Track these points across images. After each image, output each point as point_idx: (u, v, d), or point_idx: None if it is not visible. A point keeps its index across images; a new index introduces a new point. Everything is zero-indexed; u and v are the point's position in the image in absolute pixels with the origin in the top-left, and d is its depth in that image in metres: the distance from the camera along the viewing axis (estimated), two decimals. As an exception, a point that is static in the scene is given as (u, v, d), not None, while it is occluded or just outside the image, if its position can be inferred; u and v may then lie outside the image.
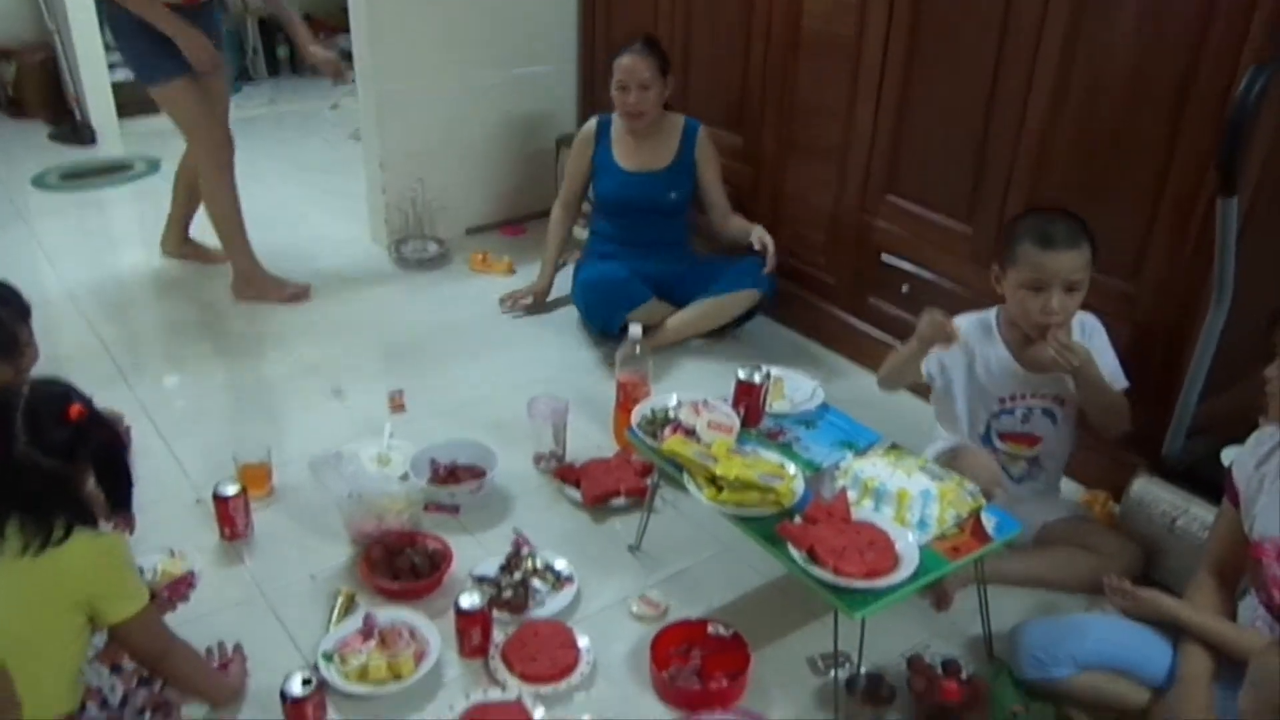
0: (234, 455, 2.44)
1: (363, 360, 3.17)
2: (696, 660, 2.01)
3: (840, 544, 1.81)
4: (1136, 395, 2.28)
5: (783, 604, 2.24)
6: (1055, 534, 2.35)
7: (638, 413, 2.22)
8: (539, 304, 3.43)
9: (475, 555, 2.31)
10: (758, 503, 1.92)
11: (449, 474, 2.52)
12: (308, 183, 4.42)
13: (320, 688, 1.83)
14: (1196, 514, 2.22)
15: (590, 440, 2.74)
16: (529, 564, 2.26)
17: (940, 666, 2.01)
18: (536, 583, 2.22)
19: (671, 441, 2.05)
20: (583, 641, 2.06)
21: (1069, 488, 2.53)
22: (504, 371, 3.09)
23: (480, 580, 2.22)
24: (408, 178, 3.77)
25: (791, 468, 2.02)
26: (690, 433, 2.11)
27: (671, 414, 2.20)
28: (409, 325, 3.37)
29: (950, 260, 2.86)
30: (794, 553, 1.82)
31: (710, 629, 2.08)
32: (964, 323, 2.29)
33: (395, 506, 2.32)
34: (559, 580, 2.24)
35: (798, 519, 1.89)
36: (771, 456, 2.06)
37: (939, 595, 2.18)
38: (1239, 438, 2.28)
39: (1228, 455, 2.28)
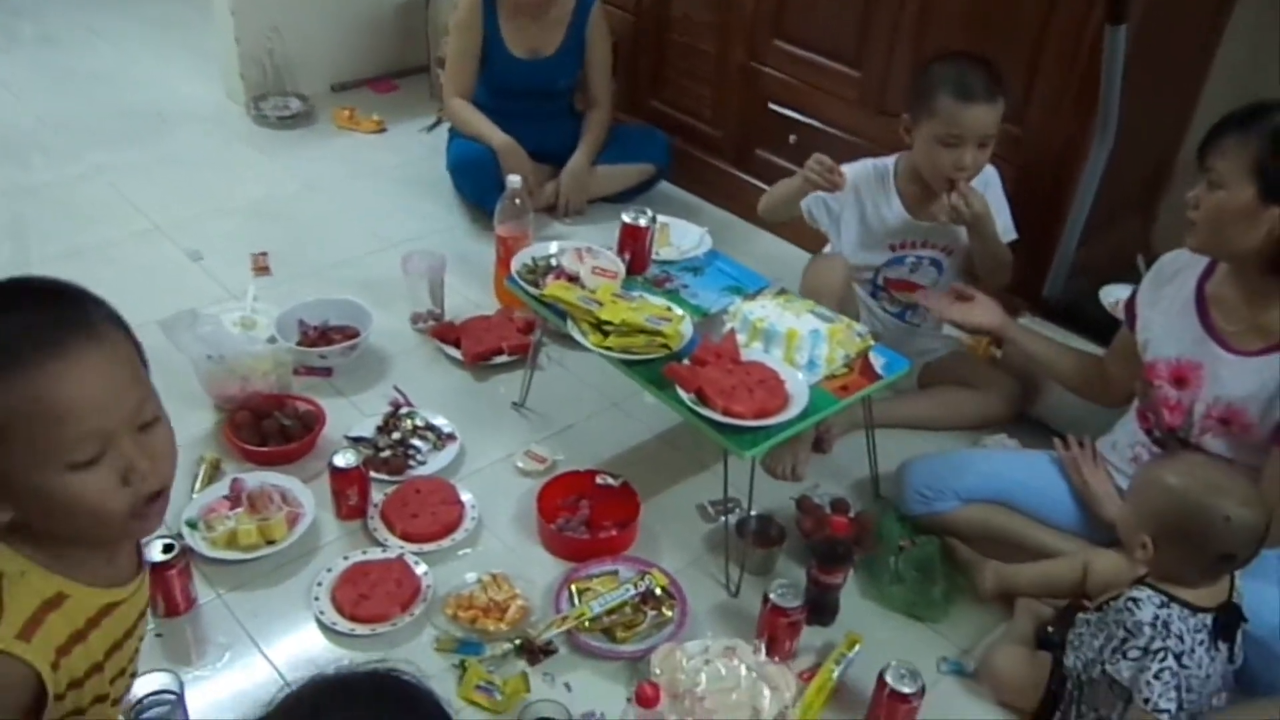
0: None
1: (222, 223, 2.94)
2: (585, 510, 1.97)
3: (729, 384, 1.76)
4: (1020, 239, 2.28)
5: (671, 455, 2.20)
6: (936, 373, 2.37)
7: (518, 260, 2.11)
8: (525, 166, 2.91)
9: (351, 418, 2.20)
10: (644, 346, 1.85)
11: (320, 335, 2.38)
12: (160, 40, 4.04)
13: (184, 553, 1.72)
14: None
15: (469, 299, 2.62)
16: (408, 423, 2.16)
17: (829, 506, 2.02)
18: (417, 441, 2.13)
19: (554, 287, 1.95)
20: (466, 497, 1.99)
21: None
22: (376, 231, 2.91)
23: (356, 441, 2.11)
24: (262, 25, 3.46)
25: (678, 310, 1.94)
26: (574, 279, 2.01)
27: (553, 261, 2.10)
28: (271, 185, 3.14)
29: (839, 107, 2.78)
30: (682, 395, 1.76)
31: (598, 479, 2.04)
32: (859, 169, 2.23)
33: (261, 368, 2.17)
34: (440, 438, 2.15)
35: (685, 361, 1.83)
36: (657, 300, 1.98)
37: (819, 436, 2.18)
38: (1118, 277, 2.32)
39: (1107, 294, 2.33)
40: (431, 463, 2.09)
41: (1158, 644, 1.47)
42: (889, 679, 1.58)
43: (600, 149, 3.07)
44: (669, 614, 1.78)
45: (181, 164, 3.20)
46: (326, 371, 2.33)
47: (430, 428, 2.16)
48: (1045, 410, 2.32)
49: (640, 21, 3.21)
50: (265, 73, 3.51)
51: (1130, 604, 1.51)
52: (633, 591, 1.78)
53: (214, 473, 2.03)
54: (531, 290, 2.02)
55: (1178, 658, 1.47)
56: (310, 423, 2.12)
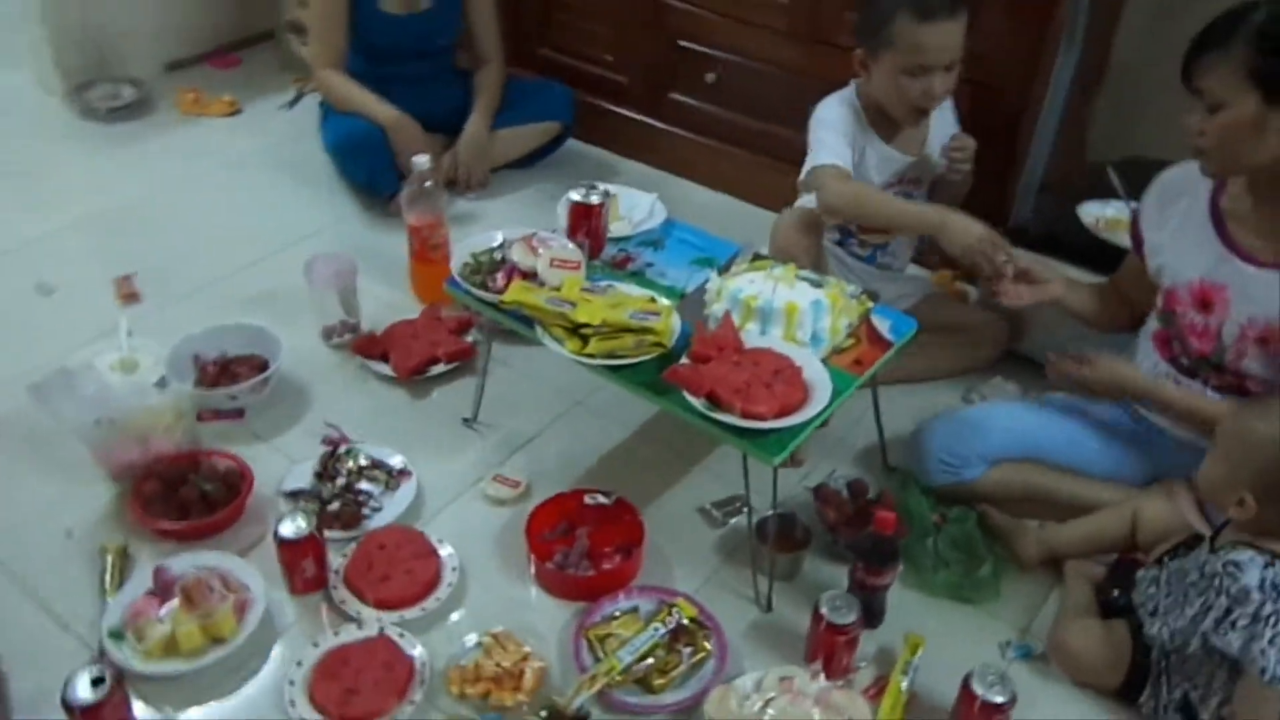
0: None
1: (66, 244, 2.49)
2: (583, 540, 1.71)
3: (741, 380, 1.52)
4: (981, 163, 2.11)
5: (656, 453, 1.97)
6: (918, 319, 2.20)
7: (457, 259, 1.81)
8: (421, 141, 2.55)
9: (278, 467, 1.87)
10: (633, 348, 1.59)
11: (221, 370, 2.02)
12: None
13: (118, 680, 1.38)
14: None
15: (384, 301, 2.29)
16: (351, 463, 1.85)
17: (846, 489, 1.83)
18: (365, 485, 1.82)
19: (513, 290, 1.66)
20: (440, 545, 1.71)
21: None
22: (255, 234, 2.52)
23: (295, 496, 1.79)
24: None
25: (663, 299, 1.69)
26: (530, 276, 1.73)
27: (499, 255, 1.81)
28: (116, 191, 2.68)
29: (764, 39, 2.52)
30: (692, 401, 1.52)
31: (587, 499, 1.78)
32: (839, 112, 2.00)
33: (160, 422, 1.81)
34: (392, 476, 1.85)
35: (684, 360, 1.58)
36: (633, 290, 1.72)
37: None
38: (1092, 193, 2.18)
39: (1086, 212, 2.18)
40: (388, 508, 1.79)
41: (1269, 608, 1.34)
42: (978, 689, 1.41)
43: (496, 110, 2.74)
44: (706, 647, 1.56)
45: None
46: (238, 414, 1.98)
47: (378, 465, 1.86)
48: (1033, 346, 2.18)
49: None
50: (86, 56, 3.00)
51: (1232, 568, 1.37)
52: (662, 630, 1.55)
53: (124, 563, 1.68)
54: (484, 296, 1.73)
55: (1296, 620, 1.34)
56: (234, 482, 1.78)
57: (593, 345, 1.59)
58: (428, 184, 2.18)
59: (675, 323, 1.63)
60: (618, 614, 1.60)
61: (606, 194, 1.84)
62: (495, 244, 1.84)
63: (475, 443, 1.97)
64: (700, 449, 1.96)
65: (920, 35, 1.82)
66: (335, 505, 1.76)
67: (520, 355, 2.12)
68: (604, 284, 1.73)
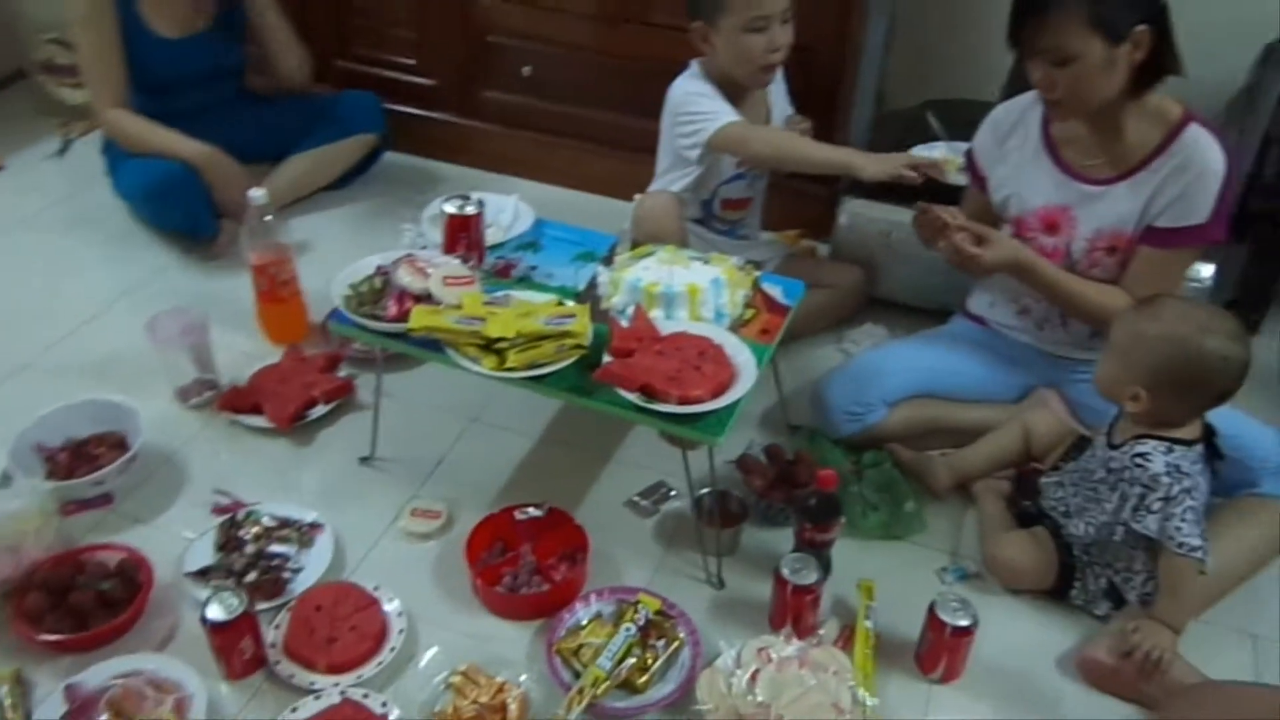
0: None
1: None
2: (529, 556, 1.67)
3: (671, 368, 1.53)
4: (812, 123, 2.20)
5: (568, 456, 1.94)
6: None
7: (336, 293, 1.70)
8: (239, 173, 2.38)
9: (171, 547, 1.71)
10: (554, 354, 1.56)
11: (74, 456, 1.82)
12: None
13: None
14: (906, 221, 2.22)
15: (237, 350, 2.12)
16: (254, 529, 1.72)
17: (764, 456, 1.87)
18: (278, 548, 1.70)
19: (418, 316, 1.58)
20: (378, 593, 1.62)
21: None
22: (67, 303, 2.27)
23: (203, 575, 1.64)
24: None
25: (569, 301, 1.67)
26: (423, 298, 1.66)
27: (380, 282, 1.72)
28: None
29: (574, 24, 2.51)
30: (627, 397, 1.51)
31: (518, 515, 1.74)
32: (693, 91, 2.01)
33: (28, 527, 1.61)
34: (304, 532, 1.73)
35: (607, 358, 1.56)
36: (536, 296, 1.69)
37: None
38: (924, 138, 2.32)
39: (917, 150, 2.32)
40: (309, 566, 1.68)
41: (1177, 489, 1.49)
42: (945, 617, 1.49)
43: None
44: (679, 635, 1.56)
45: None
46: (105, 500, 1.79)
47: (285, 524, 1.74)
48: (892, 287, 2.30)
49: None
50: None
51: (1139, 460, 1.51)
52: (633, 629, 1.54)
53: (22, 691, 1.49)
54: (378, 326, 1.64)
55: (1191, 493, 1.50)
56: (131, 575, 1.62)
57: (511, 359, 1.54)
58: (268, 217, 2.04)
59: (589, 321, 1.61)
60: (584, 623, 1.58)
61: (481, 203, 1.79)
62: (370, 271, 1.75)
63: (380, 481, 1.87)
64: (609, 443, 1.96)
65: None
66: (252, 576, 1.64)
67: (402, 382, 2.04)
68: (501, 294, 1.68)
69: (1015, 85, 2.46)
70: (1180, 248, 1.74)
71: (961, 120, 2.43)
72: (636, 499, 1.84)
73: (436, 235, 1.89)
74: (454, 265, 1.71)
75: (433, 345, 1.60)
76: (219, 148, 2.37)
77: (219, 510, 1.77)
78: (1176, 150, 1.70)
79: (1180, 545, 1.49)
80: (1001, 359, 1.97)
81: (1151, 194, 1.72)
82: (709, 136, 1.94)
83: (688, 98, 2.00)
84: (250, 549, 1.68)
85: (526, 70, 2.62)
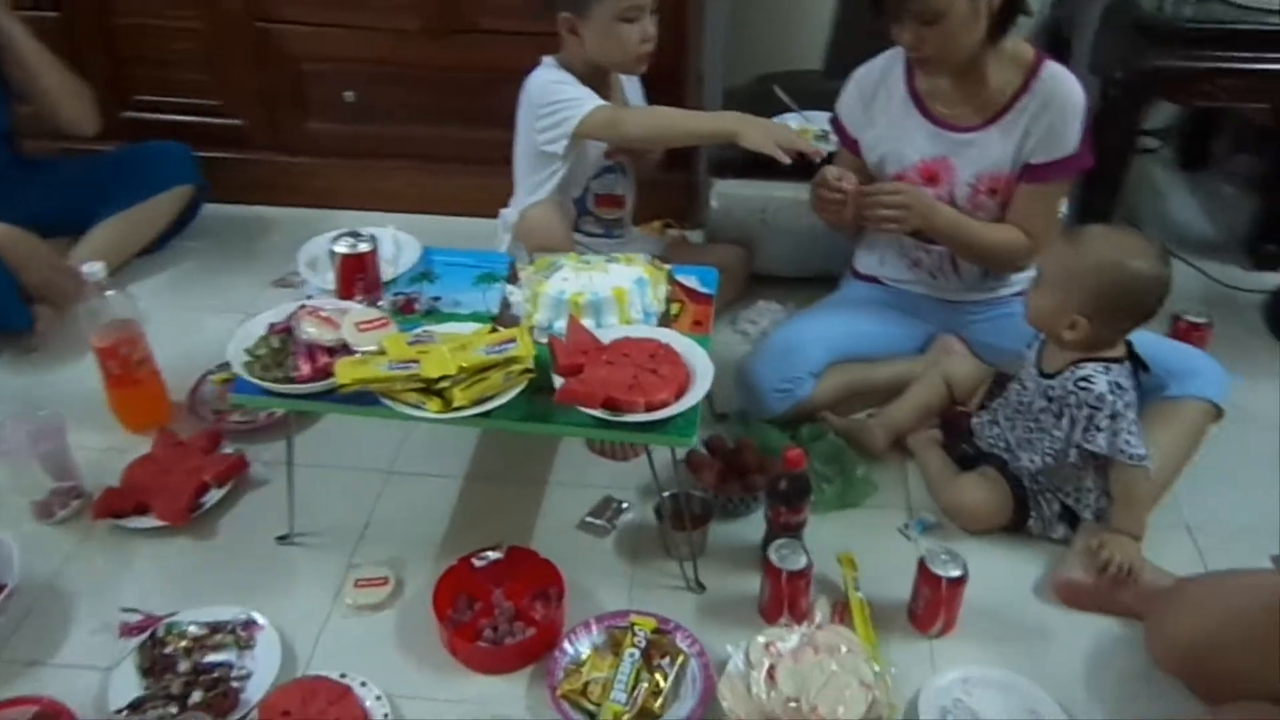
0: None
1: None
2: (503, 603, 1.55)
3: (629, 376, 1.45)
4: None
5: (500, 491, 1.83)
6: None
7: (232, 358, 1.52)
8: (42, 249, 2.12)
9: (84, 686, 1.47)
10: (502, 385, 1.45)
11: (-66, 607, 1.54)
12: None
13: None
14: (780, 196, 2.25)
15: (93, 448, 1.87)
16: (181, 641, 1.51)
17: (705, 449, 1.83)
18: (216, 656, 1.50)
19: (345, 371, 1.43)
20: (347, 680, 1.46)
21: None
22: None
23: (137, 708, 1.42)
24: None
25: (500, 327, 1.56)
26: (338, 349, 1.51)
27: (280, 342, 1.55)
28: None
29: (396, 41, 2.38)
30: (591, 414, 1.42)
31: (476, 562, 1.62)
32: (560, 74, 1.93)
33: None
34: (240, 633, 1.53)
35: (557, 378, 1.47)
36: (463, 326, 1.57)
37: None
38: (772, 112, 2.34)
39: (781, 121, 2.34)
40: (259, 669, 1.49)
41: (1120, 405, 1.57)
42: (938, 570, 1.50)
43: None
44: (682, 649, 1.50)
45: None
46: (-15, 648, 1.53)
47: (215, 628, 1.53)
48: (770, 262, 2.32)
49: (66, 14, 2.41)
50: None
51: (1083, 383, 1.58)
52: (636, 654, 1.46)
53: None
54: (296, 389, 1.47)
55: (1130, 407, 1.58)
56: (51, 726, 1.38)
57: (458, 397, 1.42)
58: (109, 293, 1.80)
59: (527, 339, 1.51)
60: (582, 658, 1.48)
61: (373, 238, 1.65)
62: (263, 332, 1.57)
63: (308, 558, 1.69)
64: (538, 469, 1.86)
65: None
66: (196, 695, 1.43)
67: (298, 447, 1.84)
68: (420, 331, 1.55)
69: (837, 53, 2.55)
70: (1056, 180, 1.84)
71: (799, 90, 2.49)
72: (589, 519, 1.76)
73: (320, 280, 1.73)
74: (360, 309, 1.56)
75: (362, 399, 1.45)
76: (9, 225, 2.08)
77: (129, 630, 1.54)
78: (1037, 89, 1.79)
79: (1130, 456, 1.56)
80: (902, 313, 2.02)
81: (1022, 134, 1.80)
82: (576, 124, 1.87)
83: (548, 88, 1.92)
84: (184, 665, 1.47)
85: (350, 95, 2.46)
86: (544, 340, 1.54)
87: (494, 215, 2.35)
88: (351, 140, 2.52)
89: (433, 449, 1.88)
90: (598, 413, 1.42)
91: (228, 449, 1.86)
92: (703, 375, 1.49)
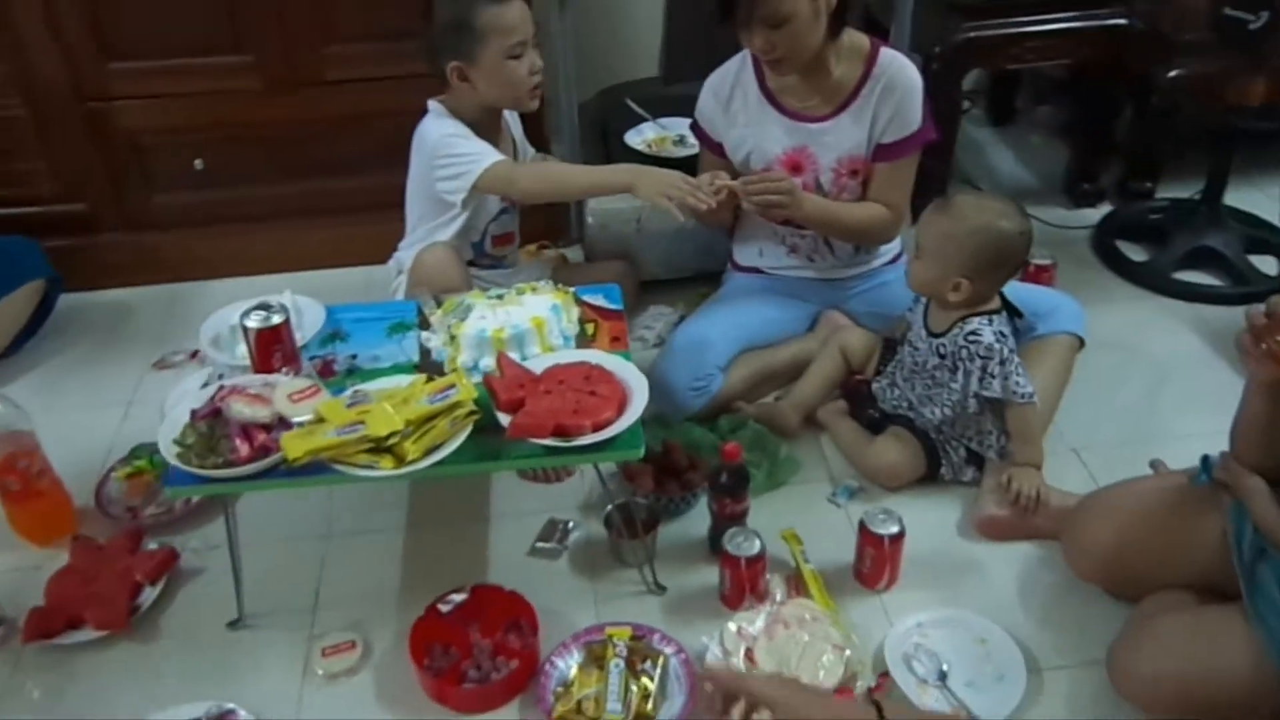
0: None
1: None
2: (481, 641, 1.58)
3: (570, 401, 1.51)
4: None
5: (441, 535, 1.85)
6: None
7: (165, 449, 1.48)
8: None
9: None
10: (450, 431, 1.48)
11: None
12: None
13: None
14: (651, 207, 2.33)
15: (2, 571, 1.77)
16: (157, 749, 1.47)
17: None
18: (198, 756, 1.47)
19: (292, 444, 1.42)
20: (341, 750, 1.46)
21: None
22: None
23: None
24: None
25: (432, 374, 1.58)
26: (276, 425, 1.49)
27: (208, 427, 1.52)
28: None
29: (243, 102, 2.33)
30: (544, 444, 1.47)
31: (443, 607, 1.63)
32: (452, 126, 1.95)
33: None
34: (216, 726, 1.51)
35: (501, 415, 1.51)
36: (396, 380, 1.58)
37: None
38: (626, 125, 2.43)
39: (634, 139, 2.44)
40: (247, 760, 1.47)
41: (1006, 351, 1.73)
42: (878, 529, 1.63)
43: None
44: (660, 651, 1.56)
45: None
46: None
47: (190, 729, 1.50)
48: (651, 267, 2.40)
49: None
50: None
51: (972, 337, 1.73)
52: (621, 664, 1.52)
53: None
54: (240, 471, 1.45)
55: (1014, 351, 1.75)
56: None
57: (410, 450, 1.44)
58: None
59: (466, 379, 1.54)
60: (570, 678, 1.53)
61: (284, 307, 1.63)
62: (185, 420, 1.54)
63: (265, 638, 1.66)
64: (474, 505, 1.89)
65: (506, 15, 1.87)
66: (190, 798, 1.40)
67: (220, 530, 1.80)
68: (350, 392, 1.55)
69: (672, 59, 2.67)
70: (907, 155, 1.99)
71: (643, 99, 2.59)
72: (540, 544, 1.80)
73: (228, 357, 1.70)
74: (287, 381, 1.55)
75: (311, 469, 1.44)
76: None
77: (99, 748, 1.49)
78: (878, 74, 1.94)
79: (1022, 396, 1.73)
80: (787, 297, 2.14)
81: (872, 117, 1.95)
82: (474, 179, 1.90)
83: (444, 140, 1.94)
84: (169, 771, 1.44)
85: (199, 163, 2.39)
86: (476, 380, 1.58)
87: (369, 263, 2.37)
88: (207, 208, 2.45)
89: (366, 506, 1.87)
90: (548, 441, 1.47)
91: (151, 544, 1.80)
92: (638, 388, 1.56)
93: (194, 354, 2.26)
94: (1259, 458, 1.47)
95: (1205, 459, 1.55)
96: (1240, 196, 2.57)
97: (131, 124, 2.33)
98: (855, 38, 1.96)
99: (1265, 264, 2.46)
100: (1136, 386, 2.12)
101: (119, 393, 2.19)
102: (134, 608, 1.68)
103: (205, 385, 2.07)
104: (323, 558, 1.80)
